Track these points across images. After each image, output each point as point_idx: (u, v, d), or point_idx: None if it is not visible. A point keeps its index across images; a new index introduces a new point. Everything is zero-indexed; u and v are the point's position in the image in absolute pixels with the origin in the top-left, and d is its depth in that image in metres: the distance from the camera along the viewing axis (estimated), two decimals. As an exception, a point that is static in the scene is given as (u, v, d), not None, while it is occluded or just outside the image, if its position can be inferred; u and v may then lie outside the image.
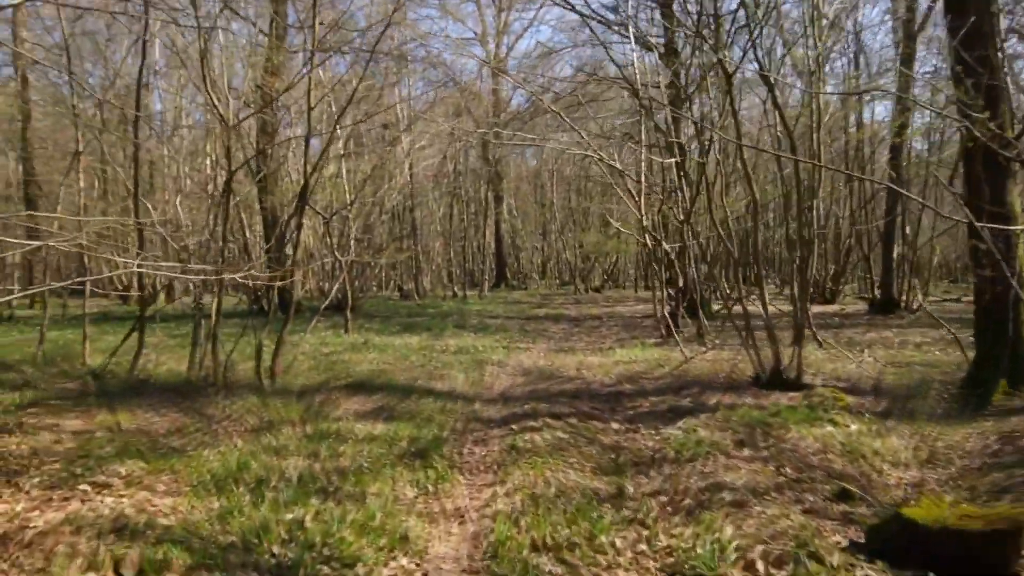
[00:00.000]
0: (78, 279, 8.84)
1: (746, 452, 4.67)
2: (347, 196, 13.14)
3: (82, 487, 3.94)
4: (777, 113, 7.76)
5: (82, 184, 8.92)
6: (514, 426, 5.69)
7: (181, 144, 20.16)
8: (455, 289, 24.41)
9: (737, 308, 8.21)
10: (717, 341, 10.37)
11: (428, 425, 5.88)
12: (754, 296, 9.12)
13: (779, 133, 9.22)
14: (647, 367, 8.53)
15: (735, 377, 7.62)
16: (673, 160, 10.29)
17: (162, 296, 19.94)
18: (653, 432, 5.34)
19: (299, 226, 7.41)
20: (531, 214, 35.62)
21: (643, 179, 10.26)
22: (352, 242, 17.94)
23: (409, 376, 8.10)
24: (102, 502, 3.75)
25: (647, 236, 10.37)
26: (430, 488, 4.26)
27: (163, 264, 6.34)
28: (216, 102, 6.07)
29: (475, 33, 31.00)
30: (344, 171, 14.79)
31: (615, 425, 5.72)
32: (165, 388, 7.31)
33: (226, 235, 6.48)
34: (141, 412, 6.35)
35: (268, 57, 11.74)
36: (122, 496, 3.84)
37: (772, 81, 6.96)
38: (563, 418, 5.79)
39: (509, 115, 26.25)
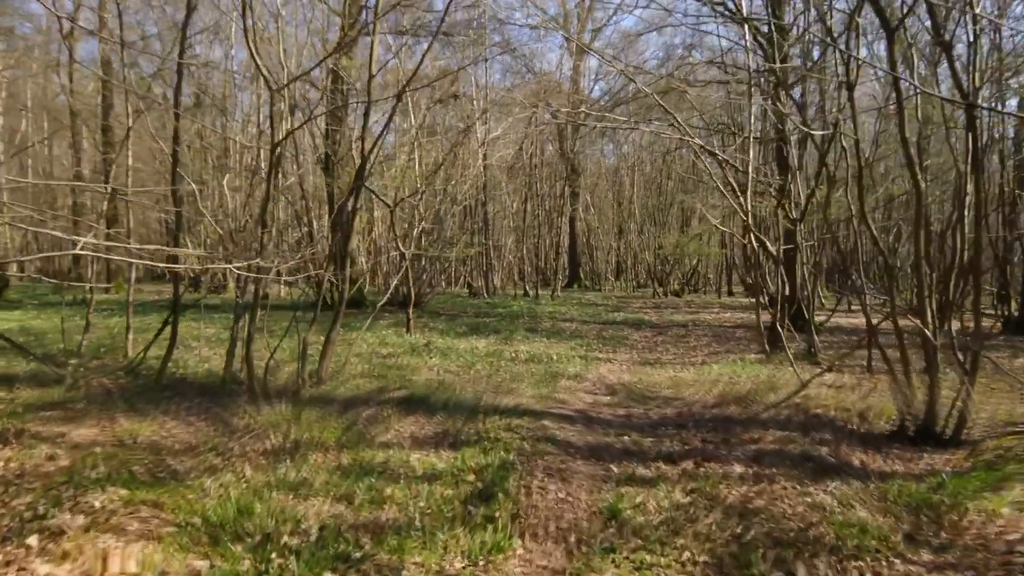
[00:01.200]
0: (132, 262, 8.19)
1: (925, 556, 3.23)
2: (418, 186, 12.19)
3: (30, 540, 2.98)
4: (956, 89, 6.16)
5: (131, 163, 8.25)
6: (613, 468, 4.46)
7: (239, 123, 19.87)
8: (526, 288, 23.28)
9: (845, 321, 6.68)
10: (835, 362, 8.78)
11: (495, 448, 4.75)
12: (856, 308, 7.52)
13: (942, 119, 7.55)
14: (754, 388, 7.08)
15: (869, 418, 6.09)
16: (791, 151, 8.77)
17: (231, 284, 19.71)
18: (796, 489, 3.98)
19: (354, 211, 6.40)
20: (607, 213, 34.11)
21: (751, 171, 8.79)
22: (419, 235, 17.09)
23: (474, 389, 6.98)
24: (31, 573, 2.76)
25: (751, 237, 8.92)
26: (480, 562, 3.12)
27: (120, 245, 5.41)
28: (257, 57, 5.08)
29: (557, 22, 29.71)
30: (417, 159, 13.88)
31: (738, 468, 4.39)
32: (201, 390, 6.46)
33: (265, 219, 5.51)
34: (166, 419, 5.49)
35: (341, 35, 10.91)
36: (66, 557, 2.84)
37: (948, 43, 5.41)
38: (677, 460, 4.51)
39: (589, 106, 24.89)
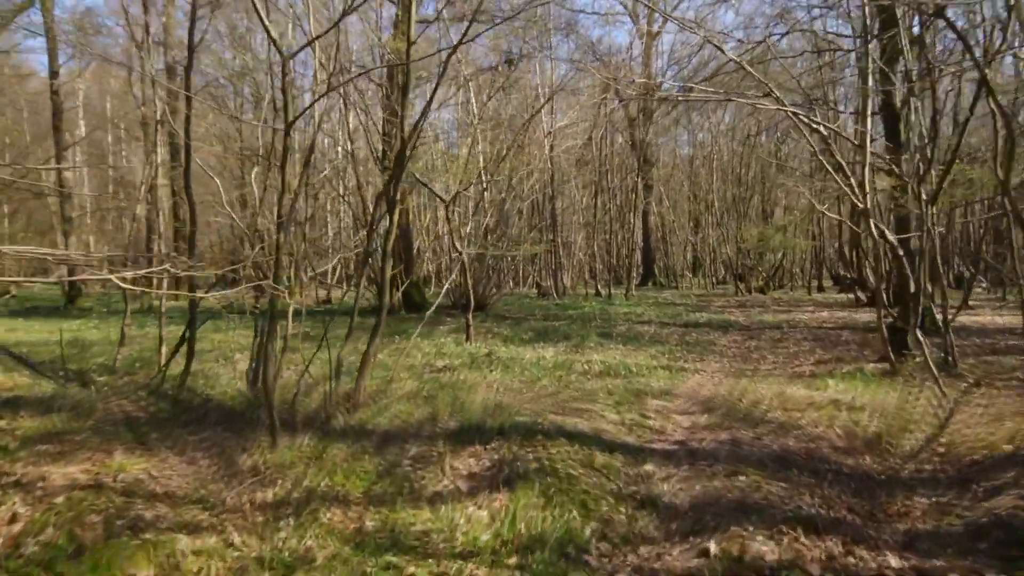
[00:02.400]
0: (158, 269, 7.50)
1: None
2: (473, 179, 11.19)
3: None
4: None
5: (160, 159, 7.58)
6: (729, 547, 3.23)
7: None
8: (598, 287, 21.97)
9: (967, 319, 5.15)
10: (981, 376, 7.17)
11: (562, 498, 3.63)
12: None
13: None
14: (886, 424, 5.55)
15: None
16: (920, 121, 7.21)
17: (296, 289, 19.31)
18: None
19: (392, 203, 5.39)
20: (683, 205, 32.30)
21: (868, 146, 7.30)
22: (484, 232, 16.11)
23: (539, 409, 5.85)
24: None
25: (867, 224, 7.40)
26: None
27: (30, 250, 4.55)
28: (268, 23, 4.13)
29: (624, 7, 28.23)
30: (473, 150, 12.88)
31: (892, 560, 3.07)
32: (223, 415, 5.60)
33: (282, 215, 4.56)
34: (169, 453, 4.64)
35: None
36: None
37: None
38: (821, 532, 3.24)
39: (663, 92, 23.32)
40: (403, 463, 4.43)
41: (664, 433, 5.17)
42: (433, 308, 8.15)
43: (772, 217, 28.51)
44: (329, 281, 23.88)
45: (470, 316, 9.71)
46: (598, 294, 21.58)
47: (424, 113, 5.46)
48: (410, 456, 4.57)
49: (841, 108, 16.84)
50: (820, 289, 25.73)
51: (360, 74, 6.96)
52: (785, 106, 8.00)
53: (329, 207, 22.73)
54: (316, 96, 5.10)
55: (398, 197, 5.61)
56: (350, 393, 5.70)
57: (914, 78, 8.73)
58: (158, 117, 7.01)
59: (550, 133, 17.29)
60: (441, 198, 8.77)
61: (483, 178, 11.93)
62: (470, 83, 12.59)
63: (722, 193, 28.56)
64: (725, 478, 4.02)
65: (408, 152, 5.48)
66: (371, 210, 5.74)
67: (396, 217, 5.56)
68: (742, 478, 3.99)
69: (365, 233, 8.21)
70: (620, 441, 4.90)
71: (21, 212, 25.78)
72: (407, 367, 7.89)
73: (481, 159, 12.05)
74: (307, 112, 6.52)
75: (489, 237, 15.88)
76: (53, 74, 17.66)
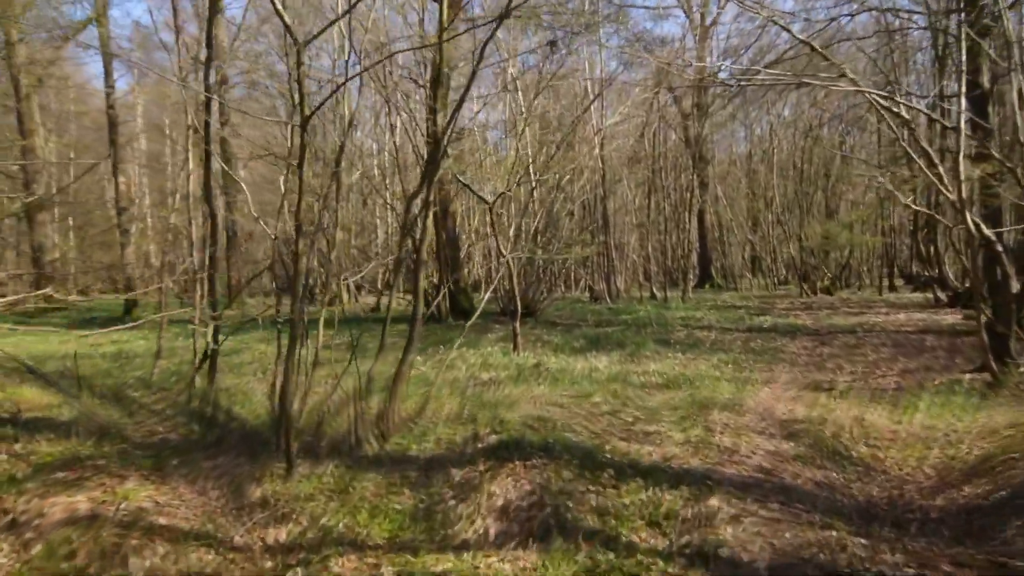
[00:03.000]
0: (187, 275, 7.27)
1: None
2: (518, 179, 10.67)
3: None
4: None
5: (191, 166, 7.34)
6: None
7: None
8: (653, 290, 21.12)
9: None
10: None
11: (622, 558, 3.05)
12: None
13: None
14: (992, 448, 4.73)
15: None
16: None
17: (344, 295, 19.18)
18: None
19: (427, 204, 4.91)
20: (740, 203, 31.01)
21: (963, 128, 6.44)
22: (534, 235, 15.57)
23: (592, 430, 5.27)
24: None
25: (967, 218, 6.53)
26: None
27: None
28: (281, 8, 3.71)
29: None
30: (527, 150, 12.37)
31: None
32: (240, 436, 5.22)
33: (299, 218, 4.12)
34: (181, 481, 4.27)
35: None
36: None
37: None
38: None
39: (717, 86, 22.33)
40: (437, 500, 3.92)
41: (736, 454, 4.50)
42: (477, 315, 7.62)
43: (837, 213, 27.05)
44: (379, 287, 23.79)
45: (517, 324, 9.17)
46: (653, 297, 20.74)
47: (459, 105, 4.96)
48: (446, 492, 4.05)
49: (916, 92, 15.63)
50: (891, 288, 24.18)
51: (385, 58, 6.52)
52: (862, 87, 7.20)
53: (378, 213, 22.61)
54: (336, 87, 4.64)
55: (433, 199, 5.13)
56: (382, 415, 5.23)
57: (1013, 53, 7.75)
58: (189, 123, 6.74)
59: (600, 130, 16.62)
60: (484, 200, 8.28)
61: (531, 178, 11.40)
62: (516, 80, 12.08)
63: (782, 189, 27.24)
64: (819, 529, 3.35)
65: (443, 150, 4.98)
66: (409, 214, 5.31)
67: (429, 221, 5.07)
68: (832, 533, 3.31)
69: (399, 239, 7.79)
70: (686, 467, 4.27)
71: (87, 225, 26.68)
72: (450, 381, 7.41)
73: (528, 158, 11.51)
74: (337, 110, 6.11)
75: (539, 240, 15.34)
76: (108, 88, 18.04)
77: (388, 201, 16.25)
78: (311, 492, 3.92)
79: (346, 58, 4.49)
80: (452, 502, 3.82)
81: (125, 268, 18.68)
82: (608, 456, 4.46)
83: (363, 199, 22.27)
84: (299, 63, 3.89)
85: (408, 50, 9.51)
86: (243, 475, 4.28)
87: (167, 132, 25.61)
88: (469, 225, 21.73)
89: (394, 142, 13.53)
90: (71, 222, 24.77)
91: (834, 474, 4.31)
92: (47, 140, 21.03)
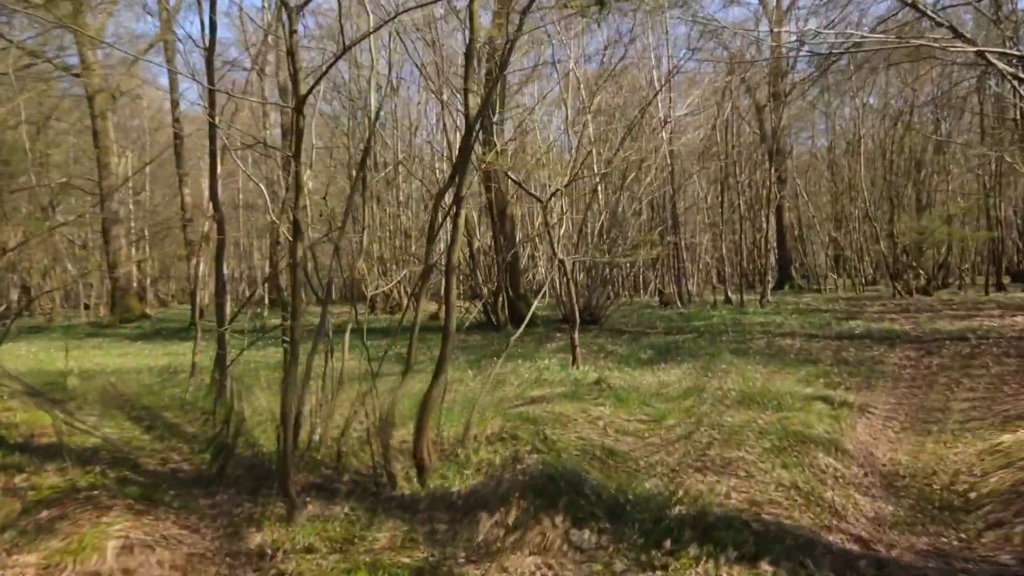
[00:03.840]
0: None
1: None
2: (593, 175, 9.83)
3: None
4: None
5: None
6: None
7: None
8: (727, 293, 19.78)
9: None
10: None
11: None
12: None
13: None
14: None
15: None
16: None
17: (404, 302, 18.77)
18: None
19: (458, 201, 4.20)
20: (822, 199, 29.05)
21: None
22: (595, 236, 14.69)
23: (665, 466, 4.40)
24: None
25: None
26: None
27: None
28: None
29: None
30: (586, 144, 11.53)
31: None
32: (248, 468, 4.62)
33: (298, 219, 3.47)
34: (170, 518, 3.68)
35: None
36: None
37: None
38: None
39: (795, 76, 20.82)
40: (448, 558, 3.18)
41: (843, 519, 3.54)
42: (527, 321, 6.86)
43: (932, 206, 24.84)
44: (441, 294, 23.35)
45: (575, 335, 8.33)
46: (728, 301, 19.42)
47: (495, 83, 4.24)
48: (459, 552, 3.29)
49: None
50: (999, 288, 21.90)
51: (395, 16, 5.81)
52: (983, 48, 6.03)
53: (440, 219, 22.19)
54: (341, 51, 3.96)
55: (465, 195, 4.40)
56: (417, 446, 4.52)
57: None
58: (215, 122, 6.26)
59: (668, 122, 15.56)
60: (537, 198, 7.54)
61: (593, 174, 10.56)
62: (575, 72, 11.27)
63: (868, 182, 25.24)
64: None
65: (474, 136, 4.25)
66: (446, 208, 4.59)
67: (461, 220, 4.35)
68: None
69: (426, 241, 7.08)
70: (790, 524, 3.33)
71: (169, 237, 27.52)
72: (498, 400, 6.65)
73: (590, 152, 10.67)
74: (393, 112, 5.47)
75: (604, 240, 14.45)
76: (173, 104, 18.34)
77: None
78: (312, 542, 3.25)
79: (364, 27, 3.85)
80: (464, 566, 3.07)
81: (189, 279, 18.89)
82: (684, 513, 3.54)
83: (424, 205, 21.92)
84: (292, 31, 3.24)
85: (420, 7, 8.64)
86: (242, 515, 3.67)
87: (224, 140, 26.03)
88: (531, 227, 21.01)
89: (448, 143, 12.95)
90: (146, 234, 25.52)
91: (951, 538, 3.31)
92: (121, 156, 21.64)
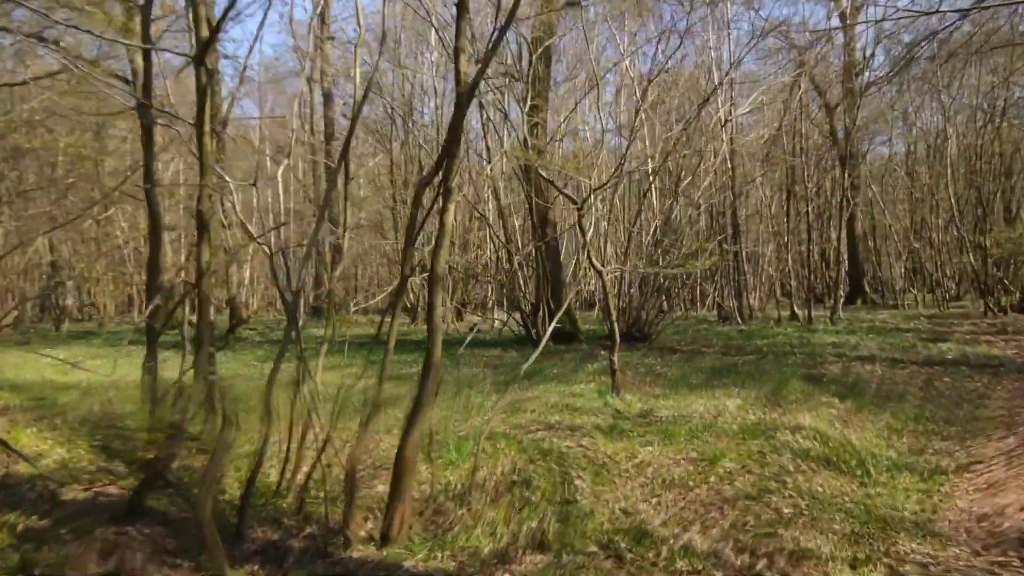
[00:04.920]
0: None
1: None
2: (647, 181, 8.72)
3: None
4: None
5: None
6: None
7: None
8: (793, 308, 18.16)
9: None
10: None
11: None
12: None
13: None
14: None
15: None
16: None
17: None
18: None
19: (445, 195, 3.24)
20: (898, 208, 26.85)
21: None
22: (652, 246, 13.53)
23: (717, 537, 3.31)
24: None
25: None
26: None
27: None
28: None
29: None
30: (636, 139, 10.40)
31: None
32: (196, 523, 3.73)
33: (203, 202, 2.54)
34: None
35: None
36: None
37: None
38: None
39: (872, 72, 19.09)
40: None
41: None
42: (547, 338, 5.84)
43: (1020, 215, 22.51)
44: (485, 305, 22.47)
45: (615, 357, 7.21)
46: (793, 317, 17.82)
47: (497, 42, 3.27)
48: None
49: None
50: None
51: None
52: None
53: (486, 230, 21.37)
54: None
55: (455, 186, 3.42)
56: (388, 511, 3.53)
57: None
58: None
59: (728, 121, 14.24)
60: (572, 199, 6.52)
61: (641, 172, 9.45)
62: (627, 64, 10.18)
63: (954, 190, 23.05)
64: None
65: (466, 105, 3.27)
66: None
67: (449, 218, 3.36)
68: None
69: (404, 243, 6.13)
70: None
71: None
72: (512, 429, 5.64)
73: (631, 149, 9.55)
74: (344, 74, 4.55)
75: (656, 249, 13.25)
76: (214, 107, 18.12)
77: (480, 211, 14.78)
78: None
79: None
80: None
81: (228, 287, 18.61)
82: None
83: (468, 215, 21.12)
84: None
85: None
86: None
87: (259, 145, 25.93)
88: (579, 236, 19.92)
89: (486, 147, 12.05)
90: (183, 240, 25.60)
91: None
92: (168, 163, 21.63)
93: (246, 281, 24.71)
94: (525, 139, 9.39)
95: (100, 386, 8.76)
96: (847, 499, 4.00)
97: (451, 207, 3.46)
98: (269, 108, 35.79)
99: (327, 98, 22.43)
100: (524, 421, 6.09)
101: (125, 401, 7.68)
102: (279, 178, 4.97)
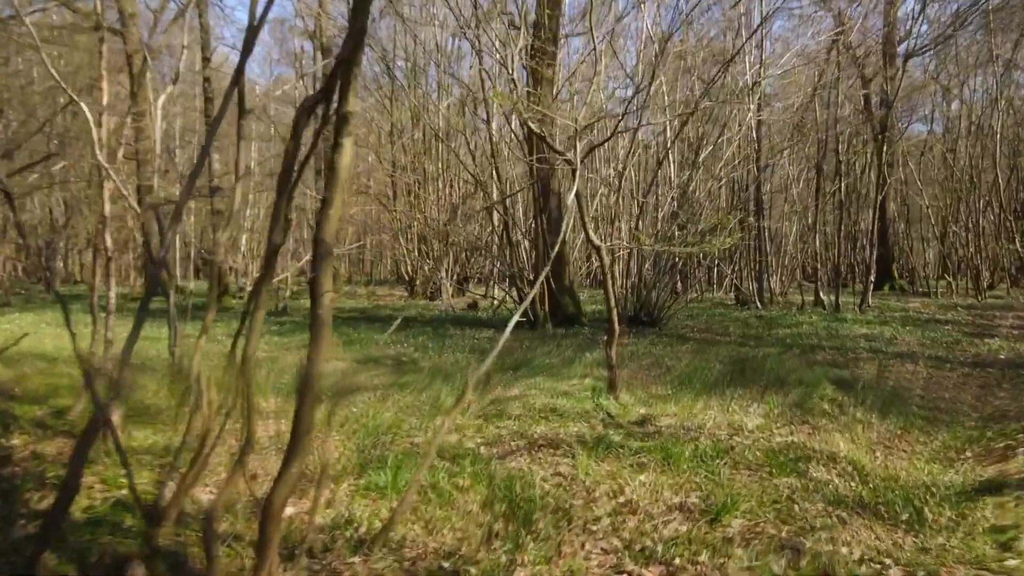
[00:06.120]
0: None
1: None
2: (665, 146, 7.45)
3: None
4: None
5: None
6: None
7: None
8: (818, 293, 16.81)
9: None
10: None
11: None
12: None
13: None
14: None
15: None
16: None
17: (445, 287, 16.81)
18: None
19: (340, 123, 2.01)
20: (932, 189, 25.15)
21: None
22: (664, 222, 12.26)
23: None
24: None
25: None
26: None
27: None
28: None
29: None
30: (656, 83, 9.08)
31: None
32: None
33: None
34: None
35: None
36: None
37: None
38: None
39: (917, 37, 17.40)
40: None
41: None
42: (511, 326, 4.77)
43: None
44: (491, 280, 21.29)
45: (613, 351, 6.03)
46: (818, 303, 16.48)
47: None
48: None
49: None
50: None
51: None
52: None
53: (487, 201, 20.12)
54: None
55: (352, 112, 2.24)
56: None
57: None
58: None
59: (757, 83, 12.79)
60: (562, 155, 5.33)
61: (665, 141, 8.17)
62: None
63: (999, 169, 21.35)
64: None
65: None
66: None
67: (345, 158, 2.20)
68: None
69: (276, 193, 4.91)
70: None
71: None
72: (485, 443, 4.52)
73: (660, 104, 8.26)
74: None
75: (669, 225, 11.98)
76: (204, 60, 16.92)
77: (479, 180, 13.53)
78: None
79: None
80: None
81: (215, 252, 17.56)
82: None
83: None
84: None
85: None
86: None
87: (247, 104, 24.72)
88: (595, 208, 18.59)
89: (485, 98, 10.77)
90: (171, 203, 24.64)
91: None
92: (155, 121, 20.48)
93: (243, 247, 23.67)
94: (528, 93, 8.17)
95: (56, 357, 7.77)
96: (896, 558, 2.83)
97: (347, 144, 2.29)
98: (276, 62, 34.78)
99: (325, 52, 21.08)
100: (504, 433, 4.97)
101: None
102: (158, 109, 3.81)
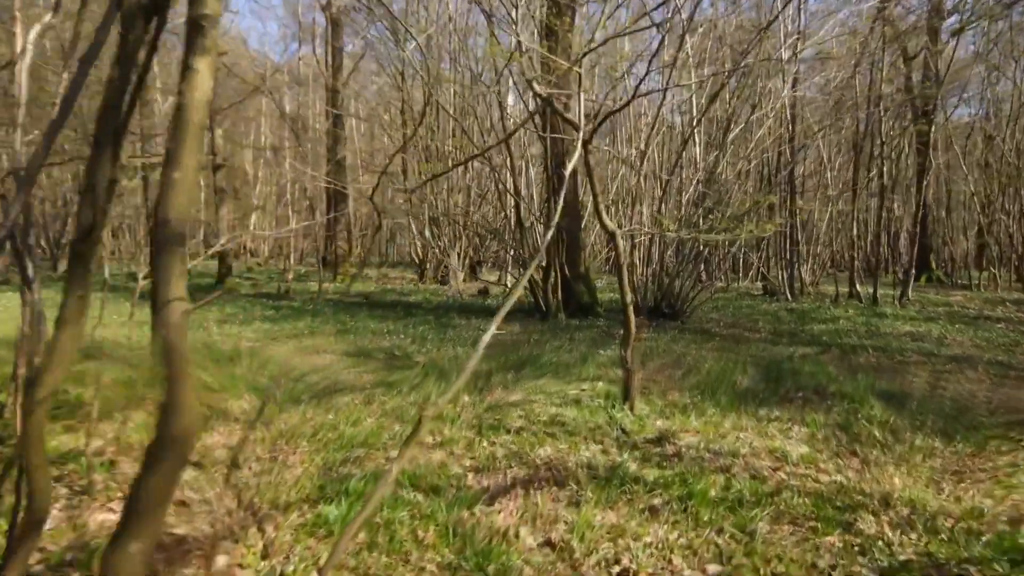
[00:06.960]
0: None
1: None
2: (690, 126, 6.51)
3: None
4: None
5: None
6: None
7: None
8: (854, 285, 15.71)
9: None
10: None
11: None
12: None
13: None
14: None
15: None
16: None
17: (455, 273, 15.99)
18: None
19: (194, 34, 1.49)
20: (973, 176, 23.65)
21: None
22: (689, 207, 11.31)
23: None
24: None
25: None
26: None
27: None
28: None
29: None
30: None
31: None
32: None
33: None
34: None
35: None
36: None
37: None
38: None
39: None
40: None
41: None
42: (501, 315, 4.11)
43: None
44: (508, 263, 20.43)
45: (629, 353, 5.17)
46: (853, 295, 15.41)
47: None
48: None
49: None
50: None
51: None
52: None
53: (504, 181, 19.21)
54: None
55: (212, 16, 1.38)
56: None
57: None
58: None
59: (793, 58, 11.70)
60: (572, 123, 4.49)
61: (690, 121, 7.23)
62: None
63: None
64: None
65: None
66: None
67: (200, 90, 1.34)
68: None
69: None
70: None
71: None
72: (471, 469, 3.73)
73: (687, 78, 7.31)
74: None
75: (695, 210, 11.02)
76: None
77: (484, 158, 12.63)
78: None
79: None
80: None
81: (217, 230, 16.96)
82: None
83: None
84: None
85: None
86: None
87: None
88: (619, 190, 17.62)
89: (495, 68, 9.86)
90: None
91: None
92: (166, 96, 19.87)
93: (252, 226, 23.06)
94: (537, 54, 7.27)
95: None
96: None
97: (203, 68, 1.46)
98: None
99: (335, 25, 20.28)
100: (500, 453, 4.16)
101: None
102: (28, 46, 3.02)
